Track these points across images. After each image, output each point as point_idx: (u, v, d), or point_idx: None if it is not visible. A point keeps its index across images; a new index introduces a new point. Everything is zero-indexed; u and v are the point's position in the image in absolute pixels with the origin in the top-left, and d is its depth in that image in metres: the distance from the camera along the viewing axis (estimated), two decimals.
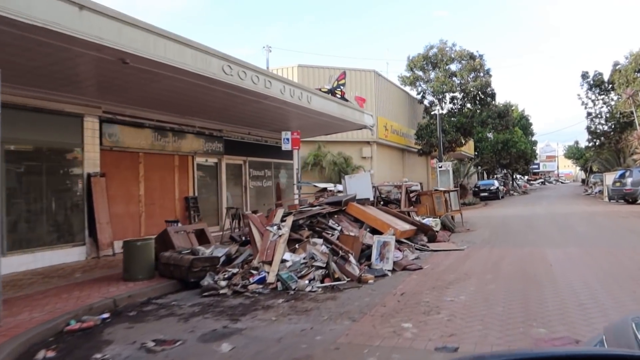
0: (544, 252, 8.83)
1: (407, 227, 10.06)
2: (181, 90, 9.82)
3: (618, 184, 22.02)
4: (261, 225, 8.09)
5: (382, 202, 12.96)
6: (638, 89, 28.89)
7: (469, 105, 32.61)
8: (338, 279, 6.72)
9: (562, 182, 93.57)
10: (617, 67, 32.40)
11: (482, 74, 31.18)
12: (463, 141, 33.21)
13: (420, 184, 16.95)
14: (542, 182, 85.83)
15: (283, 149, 12.46)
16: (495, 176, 64.39)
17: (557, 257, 8.32)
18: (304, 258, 7.18)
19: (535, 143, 58.71)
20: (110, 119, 10.55)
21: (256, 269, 7.10)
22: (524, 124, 53.15)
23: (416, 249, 9.45)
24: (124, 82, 8.85)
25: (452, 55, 31.54)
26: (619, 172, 23.00)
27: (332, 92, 27.94)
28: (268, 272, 6.90)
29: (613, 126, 33.45)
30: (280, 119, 13.98)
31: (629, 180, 21.24)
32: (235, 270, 7.11)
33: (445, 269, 7.59)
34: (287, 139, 12.32)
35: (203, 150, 13.51)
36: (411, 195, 13.66)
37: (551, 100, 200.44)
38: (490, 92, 31.72)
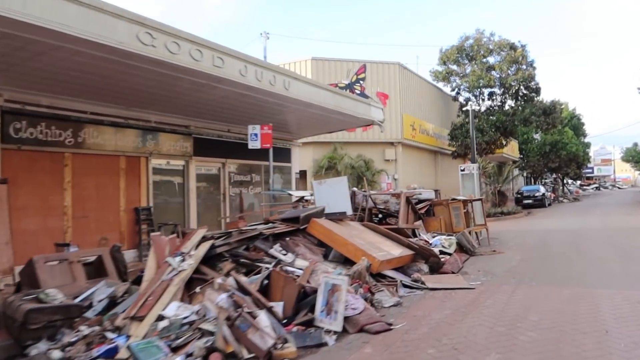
0: (594, 300, 5.76)
1: (396, 252, 7.25)
2: (92, 70, 7.44)
3: None
4: (163, 255, 5.52)
5: (379, 216, 10.12)
6: None
7: (510, 102, 29.05)
8: (234, 356, 4.03)
9: (619, 188, 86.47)
10: None
11: (524, 67, 27.60)
12: (504, 142, 29.65)
13: (437, 191, 13.88)
14: (596, 188, 79.43)
15: (250, 146, 9.85)
16: (543, 181, 59.60)
17: (616, 310, 5.28)
18: (196, 312, 4.54)
19: (588, 145, 53.52)
20: (18, 110, 8.30)
21: (118, 329, 4.52)
22: (575, 124, 48.36)
23: (405, 285, 6.62)
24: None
25: (490, 47, 28.12)
26: None
27: (350, 87, 25.23)
28: (129, 337, 4.30)
29: None
30: (261, 112, 11.42)
31: None
32: (87, 332, 4.55)
33: (427, 333, 4.73)
34: (255, 135, 9.72)
35: (163, 150, 11.13)
36: (420, 206, 10.72)
37: (602, 101, 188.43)
38: (535, 87, 28.07)
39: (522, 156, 46.29)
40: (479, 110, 29.11)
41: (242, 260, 5.67)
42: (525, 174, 52.15)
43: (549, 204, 31.09)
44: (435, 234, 10.09)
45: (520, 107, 28.10)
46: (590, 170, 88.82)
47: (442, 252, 8.70)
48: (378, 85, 24.13)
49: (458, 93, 29.44)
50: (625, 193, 57.70)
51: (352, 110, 12.85)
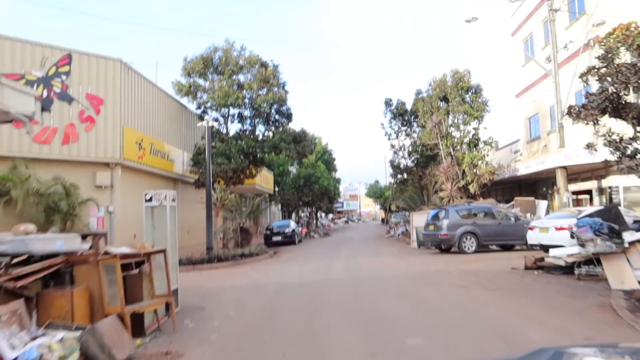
0: None
1: None
2: None
3: (432, 228, 17.16)
4: None
5: None
6: (442, 118, 25.75)
7: (261, 127, 26.11)
8: None
9: (363, 221, 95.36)
10: (420, 96, 29.49)
11: (276, 89, 25.00)
12: (254, 171, 26.40)
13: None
14: (345, 221, 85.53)
15: None
16: (299, 215, 60.10)
17: None
18: None
19: (339, 181, 56.07)
20: None
21: None
22: (327, 159, 49.67)
23: None
24: None
25: (241, 62, 24.80)
26: (432, 213, 18.29)
27: (45, 82, 18.46)
28: None
29: (416, 160, 30.31)
30: None
31: (444, 223, 16.43)
32: None
33: None
34: None
35: None
36: (27, 269, 5.39)
37: (352, 137, 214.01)
38: (286, 112, 25.69)
39: (278, 189, 44.98)
40: (226, 133, 25.34)
41: None
42: (281, 208, 51.25)
43: (300, 241, 28.98)
44: (51, 330, 4.83)
45: (271, 133, 25.31)
46: (340, 205, 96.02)
47: None
48: (89, 85, 18.00)
49: (204, 112, 25.21)
50: (368, 226, 62.25)
51: None
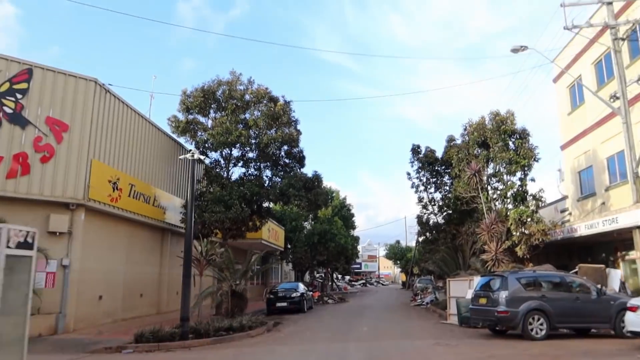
0: None
1: None
2: None
3: (483, 301, 12.67)
4: None
5: None
6: (482, 165, 21.69)
7: (268, 172, 22.39)
8: None
9: (382, 284, 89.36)
10: (453, 143, 25.66)
11: (286, 128, 21.48)
12: (257, 223, 22.44)
13: None
14: (363, 284, 79.84)
15: None
16: (313, 275, 55.23)
17: None
18: None
19: (357, 239, 51.49)
20: None
21: None
22: (345, 215, 45.45)
23: None
24: None
25: (247, 97, 21.48)
26: (480, 281, 13.79)
27: None
28: None
29: (448, 216, 25.97)
30: None
31: (501, 296, 11.97)
32: None
33: None
34: None
35: None
36: None
37: (370, 196, 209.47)
38: (298, 154, 22.02)
39: (290, 247, 40.76)
40: (227, 177, 21.64)
41: None
42: (292, 267, 46.65)
43: (310, 307, 24.38)
44: None
45: (279, 178, 21.52)
46: (358, 266, 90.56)
47: None
48: (52, 107, 14.63)
49: (204, 152, 21.70)
50: (389, 291, 56.84)
51: None
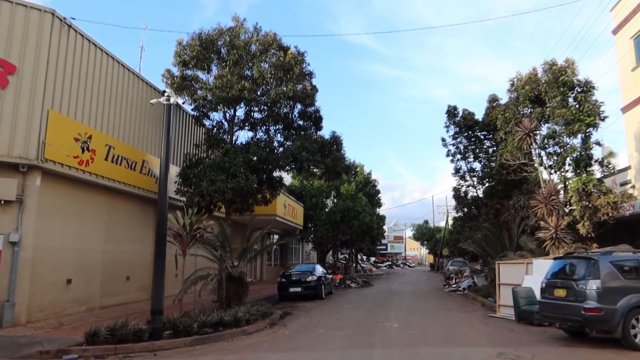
0: None
1: None
2: None
3: (561, 293, 9.13)
4: None
5: None
6: (536, 125, 17.88)
7: (279, 137, 19.05)
8: None
9: (409, 266, 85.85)
10: (495, 103, 21.88)
11: (299, 85, 18.03)
12: (267, 195, 19.26)
13: None
14: (389, 266, 76.48)
15: None
16: (336, 257, 52.18)
17: None
18: None
19: (383, 219, 47.91)
20: None
21: None
22: (370, 192, 41.88)
23: None
24: None
25: (253, 48, 18.04)
26: (555, 265, 10.15)
27: None
28: None
29: (491, 189, 22.22)
30: None
31: (591, 286, 8.44)
32: None
33: None
34: None
35: None
36: None
37: (395, 179, 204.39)
38: (313, 114, 18.59)
39: (310, 225, 37.55)
40: (231, 142, 18.43)
41: None
42: (312, 248, 43.52)
43: (330, 293, 21.19)
44: None
45: (291, 142, 18.16)
46: (384, 247, 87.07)
47: None
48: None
49: (203, 112, 18.54)
50: (417, 273, 53.36)
51: None
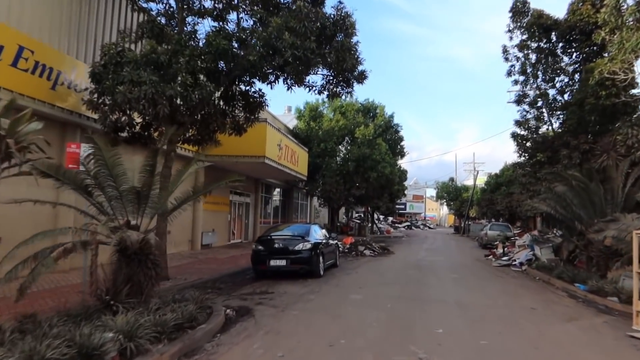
0: None
1: None
2: None
3: None
4: None
5: None
6: None
7: (251, 22, 11.93)
8: None
9: (429, 227, 79.38)
10: None
11: None
12: (237, 118, 12.55)
13: None
14: (408, 226, 70.08)
15: None
16: (350, 215, 45.69)
17: None
18: None
19: (405, 173, 40.92)
20: None
21: None
22: (392, 138, 34.72)
23: None
24: None
25: None
26: None
27: None
28: None
29: (577, 123, 15.00)
30: None
31: None
32: None
33: None
34: None
35: None
36: None
37: (413, 139, 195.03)
38: None
39: (317, 177, 30.88)
40: (177, 27, 11.54)
41: None
42: (320, 204, 36.97)
43: (332, 266, 14.67)
44: None
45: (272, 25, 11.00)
46: (402, 206, 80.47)
47: None
48: None
49: None
50: (441, 236, 46.69)
51: None
